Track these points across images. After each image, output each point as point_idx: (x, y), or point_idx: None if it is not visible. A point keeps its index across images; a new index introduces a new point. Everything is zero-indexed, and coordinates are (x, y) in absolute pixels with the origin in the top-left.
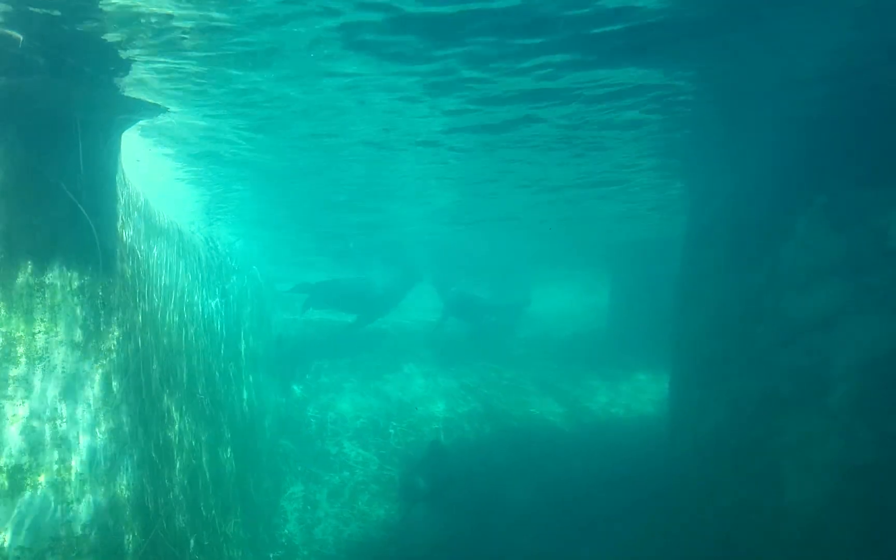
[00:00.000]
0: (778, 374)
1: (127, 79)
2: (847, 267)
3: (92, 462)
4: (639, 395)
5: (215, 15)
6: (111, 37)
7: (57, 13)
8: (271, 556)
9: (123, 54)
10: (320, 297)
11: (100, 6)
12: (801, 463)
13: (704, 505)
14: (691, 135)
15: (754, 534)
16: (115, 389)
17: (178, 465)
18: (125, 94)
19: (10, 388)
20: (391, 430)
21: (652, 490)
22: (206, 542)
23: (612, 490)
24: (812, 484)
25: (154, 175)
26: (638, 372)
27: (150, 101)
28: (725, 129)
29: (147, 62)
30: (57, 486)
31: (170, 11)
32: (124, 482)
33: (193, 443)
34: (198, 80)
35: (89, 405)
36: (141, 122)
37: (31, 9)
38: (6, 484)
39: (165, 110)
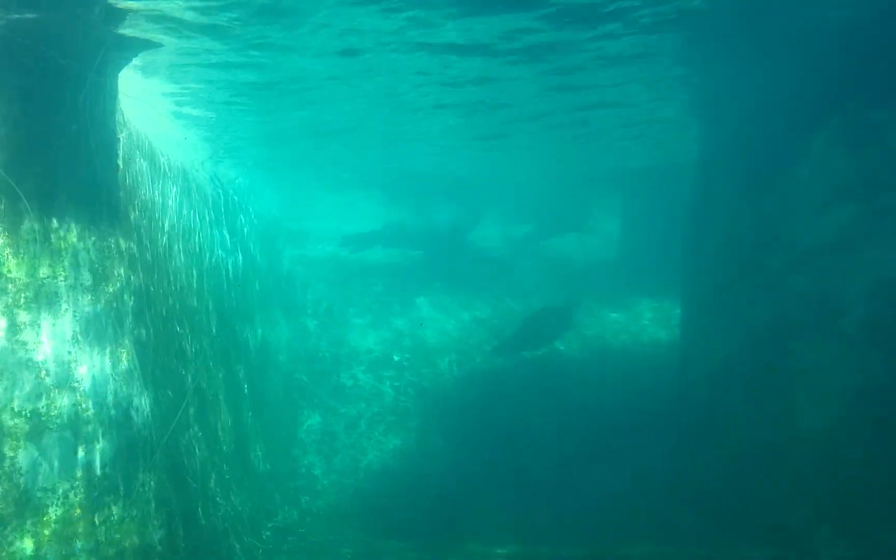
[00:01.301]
0: (790, 299)
1: (124, 16)
2: (861, 189)
3: (108, 403)
4: (651, 322)
5: None
6: None
7: None
8: (291, 486)
9: None
10: (387, 239)
11: None
12: (813, 387)
13: (716, 430)
14: (703, 52)
15: (766, 458)
16: (127, 331)
17: (196, 402)
18: (119, 31)
19: (22, 334)
20: (405, 363)
21: (664, 416)
22: (227, 476)
23: (624, 416)
24: (824, 408)
25: (156, 114)
26: (649, 299)
27: (143, 37)
28: (738, 46)
29: None
30: (74, 427)
31: None
32: (141, 422)
33: (210, 380)
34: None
35: (103, 347)
36: (137, 61)
37: None
38: (25, 427)
39: (160, 45)
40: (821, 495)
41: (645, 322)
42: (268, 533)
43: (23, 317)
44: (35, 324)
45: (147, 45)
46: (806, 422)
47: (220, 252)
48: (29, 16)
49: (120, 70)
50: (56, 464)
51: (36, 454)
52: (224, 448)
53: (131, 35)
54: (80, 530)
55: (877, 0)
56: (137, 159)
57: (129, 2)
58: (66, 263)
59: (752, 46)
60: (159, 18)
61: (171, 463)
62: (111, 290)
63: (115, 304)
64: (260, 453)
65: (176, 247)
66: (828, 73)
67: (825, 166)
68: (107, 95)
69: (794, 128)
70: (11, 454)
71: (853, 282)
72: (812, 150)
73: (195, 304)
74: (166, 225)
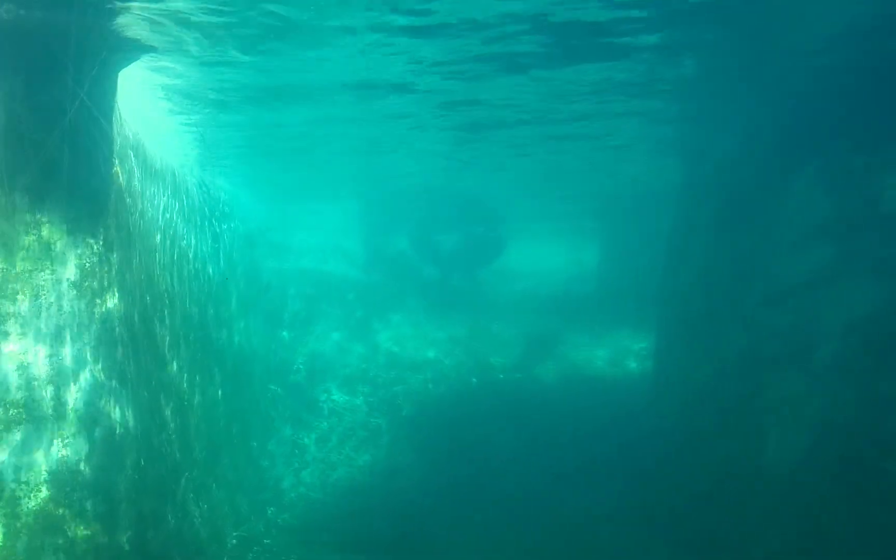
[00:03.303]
0: (764, 333)
1: (124, 17)
2: (838, 230)
3: (86, 399)
4: (624, 350)
5: None
6: None
7: None
8: (259, 497)
9: None
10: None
11: None
12: (783, 420)
13: (688, 460)
14: (689, 91)
15: (735, 488)
16: (109, 328)
17: (171, 405)
18: (124, 34)
19: (6, 325)
20: (380, 379)
21: (637, 445)
22: (197, 481)
23: (596, 442)
24: (794, 441)
25: (149, 114)
26: (624, 328)
27: (145, 41)
28: (725, 88)
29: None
30: (52, 421)
31: None
32: (118, 418)
33: (186, 384)
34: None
35: (84, 343)
36: (137, 61)
37: None
38: (3, 417)
39: (156, 49)
40: (788, 527)
41: (620, 351)
42: (233, 541)
43: (9, 308)
44: (21, 316)
45: (147, 48)
46: (776, 454)
47: (202, 258)
48: (33, 12)
49: (120, 69)
50: (29, 458)
51: (8, 448)
52: (196, 454)
53: (132, 37)
54: (52, 525)
55: (855, 50)
56: (130, 159)
57: (132, 2)
58: (53, 258)
59: (737, 88)
60: (160, 24)
61: (143, 464)
62: (96, 286)
63: (97, 301)
64: (230, 462)
65: (161, 249)
66: (810, 117)
67: (804, 206)
68: (106, 94)
69: (776, 167)
70: None
71: (826, 319)
72: (792, 190)
73: (176, 306)
74: (154, 227)
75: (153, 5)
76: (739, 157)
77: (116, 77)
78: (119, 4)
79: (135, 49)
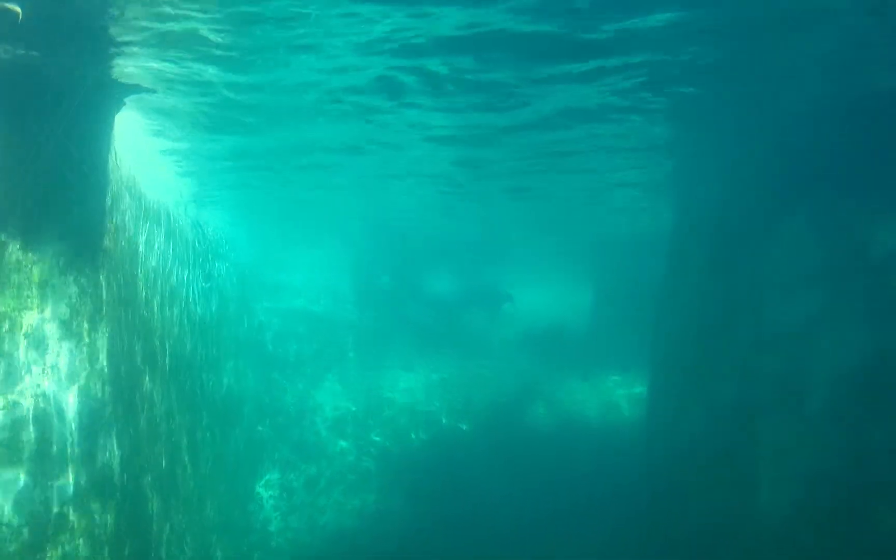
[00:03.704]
0: (756, 380)
1: (124, 61)
2: (828, 276)
3: (72, 441)
4: (617, 394)
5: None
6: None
7: None
8: (245, 541)
9: (122, 38)
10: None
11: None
12: (776, 469)
13: (678, 508)
14: (678, 136)
15: (726, 538)
16: (98, 368)
17: (157, 447)
18: (121, 79)
19: None
20: (370, 422)
21: (627, 490)
22: (183, 525)
23: (587, 488)
24: (786, 490)
25: (144, 153)
26: (617, 373)
27: (147, 85)
28: (713, 133)
29: (144, 47)
30: (36, 462)
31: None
32: (104, 461)
33: (174, 425)
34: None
35: (72, 383)
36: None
37: None
38: None
39: (154, 91)
40: None
41: (613, 395)
42: None
43: None
44: (8, 354)
45: (144, 89)
46: (767, 503)
47: (195, 297)
48: (29, 53)
49: (118, 111)
50: (10, 499)
51: None
52: (182, 495)
53: (129, 80)
54: None
55: (847, 100)
56: (125, 199)
57: (131, 47)
58: (43, 297)
59: (726, 134)
60: (156, 69)
61: (130, 504)
62: (85, 326)
63: (87, 341)
64: (216, 504)
65: (153, 289)
66: (799, 162)
67: (794, 253)
68: (101, 133)
69: (766, 212)
70: None
71: (817, 366)
72: (782, 236)
73: (166, 347)
74: (146, 267)
75: (149, 51)
76: (729, 203)
77: (113, 117)
78: (114, 50)
79: (131, 91)
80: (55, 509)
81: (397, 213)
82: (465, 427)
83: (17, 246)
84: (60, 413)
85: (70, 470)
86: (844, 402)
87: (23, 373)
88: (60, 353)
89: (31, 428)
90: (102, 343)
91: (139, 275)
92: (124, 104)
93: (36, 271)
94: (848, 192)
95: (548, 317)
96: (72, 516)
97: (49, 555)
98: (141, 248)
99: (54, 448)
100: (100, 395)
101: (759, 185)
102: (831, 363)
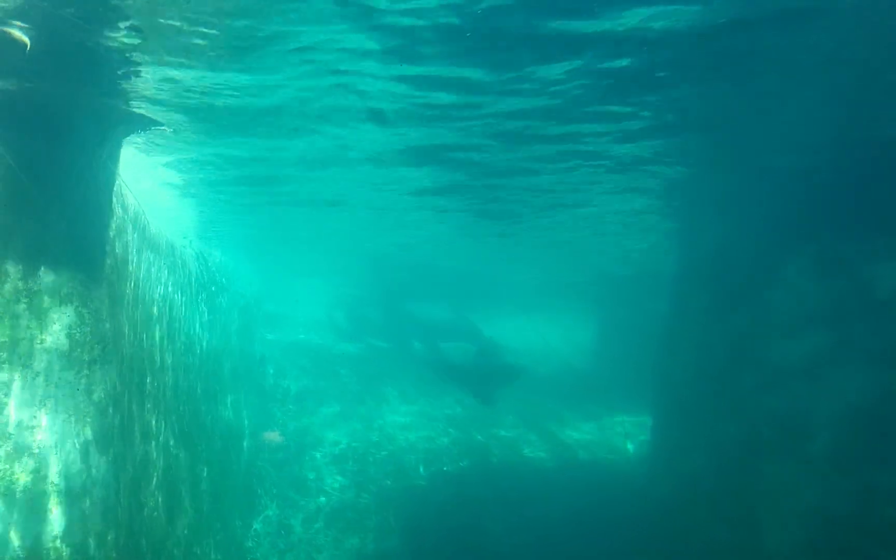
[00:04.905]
0: (759, 419)
1: (132, 93)
2: (832, 316)
3: (68, 473)
4: (621, 433)
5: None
6: (119, 52)
7: (70, 21)
8: None
9: (129, 69)
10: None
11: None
12: (778, 510)
13: (681, 547)
14: (684, 178)
15: None
16: (96, 401)
17: (154, 482)
18: (129, 109)
19: None
20: (370, 458)
21: (630, 530)
22: None
23: (589, 527)
24: (788, 531)
25: (148, 185)
26: (621, 411)
27: (152, 117)
28: (719, 175)
29: (153, 78)
30: (30, 495)
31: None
32: (100, 495)
33: (172, 460)
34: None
35: (69, 415)
36: (140, 136)
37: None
38: None
39: (162, 125)
40: None
41: (617, 433)
42: None
43: None
44: (6, 385)
45: (151, 123)
46: (769, 543)
47: (196, 331)
48: (38, 84)
49: (122, 142)
50: (4, 533)
51: None
52: (178, 532)
53: (136, 112)
54: None
55: (851, 144)
56: (129, 231)
57: (137, 81)
58: (43, 327)
59: (730, 179)
60: (161, 102)
61: (123, 542)
62: (85, 357)
63: (86, 372)
64: (212, 542)
65: (155, 322)
66: (804, 204)
67: (797, 293)
68: (107, 165)
69: (769, 254)
70: None
71: (820, 406)
72: (785, 277)
73: (166, 380)
74: (148, 299)
75: (153, 84)
76: (733, 244)
77: (119, 148)
78: (123, 84)
79: (140, 123)
80: (48, 545)
81: (405, 247)
82: (466, 463)
83: (19, 276)
84: (57, 445)
85: (64, 503)
86: (847, 443)
87: (18, 402)
88: (58, 383)
89: (26, 460)
90: (101, 374)
91: (141, 307)
92: (130, 134)
93: (37, 300)
94: (851, 233)
95: (554, 354)
96: (65, 553)
97: None
98: (144, 281)
99: (49, 480)
100: (97, 429)
101: (765, 226)
102: (834, 403)
